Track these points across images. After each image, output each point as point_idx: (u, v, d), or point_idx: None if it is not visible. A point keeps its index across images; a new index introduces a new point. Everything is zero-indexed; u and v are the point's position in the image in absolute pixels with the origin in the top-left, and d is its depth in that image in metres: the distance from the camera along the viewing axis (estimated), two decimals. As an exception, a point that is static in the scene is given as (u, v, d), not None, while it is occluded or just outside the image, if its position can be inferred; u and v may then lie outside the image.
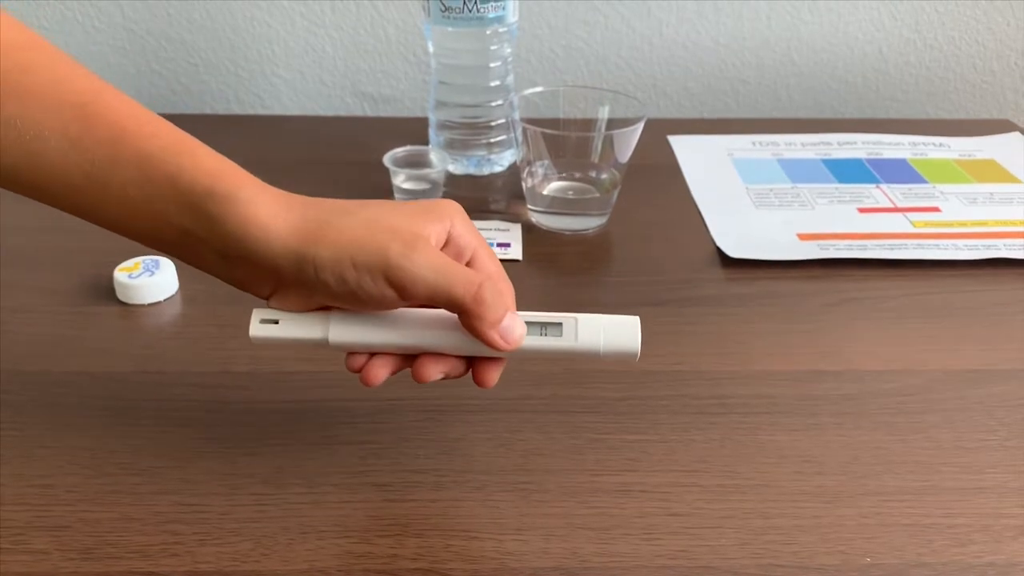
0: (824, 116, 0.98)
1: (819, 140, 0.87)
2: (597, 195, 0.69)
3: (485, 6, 0.71)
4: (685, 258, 0.65)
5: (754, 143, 0.86)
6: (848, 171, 0.81)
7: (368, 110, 0.96)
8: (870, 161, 0.83)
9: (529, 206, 0.70)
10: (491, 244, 0.66)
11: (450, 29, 0.72)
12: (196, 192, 0.37)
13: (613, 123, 0.69)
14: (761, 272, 0.64)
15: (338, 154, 0.81)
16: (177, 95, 0.94)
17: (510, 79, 0.78)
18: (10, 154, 0.37)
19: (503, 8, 0.72)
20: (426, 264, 0.37)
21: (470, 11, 0.71)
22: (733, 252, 0.65)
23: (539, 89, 0.71)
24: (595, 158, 0.69)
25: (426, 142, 0.80)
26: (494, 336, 0.39)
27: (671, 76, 0.96)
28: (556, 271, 0.64)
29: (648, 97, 0.97)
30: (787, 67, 0.96)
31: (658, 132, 0.87)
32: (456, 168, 0.78)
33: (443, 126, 0.77)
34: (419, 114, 0.93)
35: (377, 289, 0.37)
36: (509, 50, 0.76)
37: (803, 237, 0.69)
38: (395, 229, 0.38)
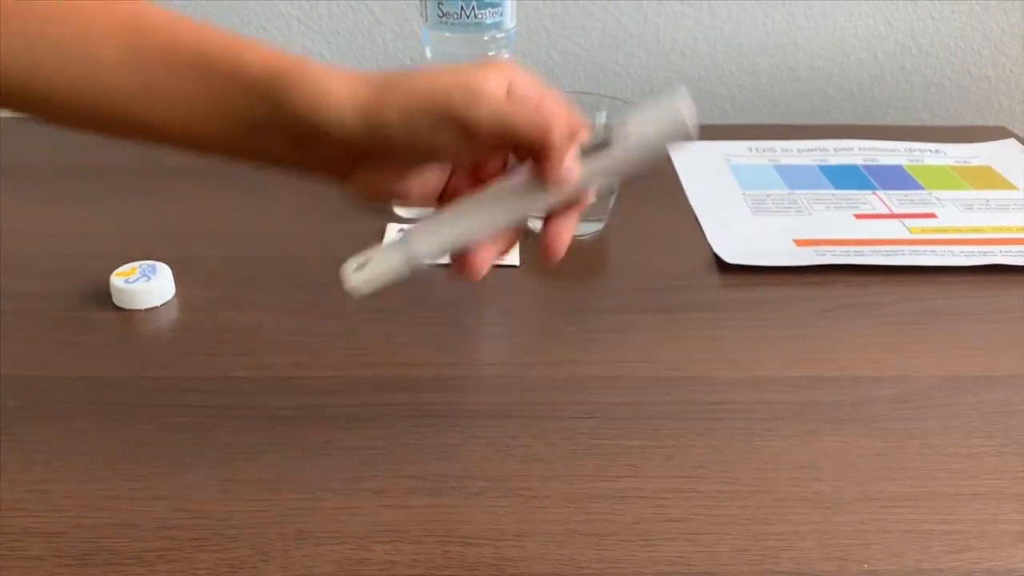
0: (820, 122, 0.99)
1: (816, 146, 0.87)
2: (594, 201, 0.69)
3: (483, 11, 0.71)
4: (682, 264, 0.66)
5: (751, 149, 0.87)
6: (845, 177, 0.81)
7: (365, 115, 0.96)
8: (867, 167, 0.83)
9: (526, 211, 0.70)
10: (488, 249, 0.66)
11: (448, 34, 0.72)
12: (264, 79, 0.37)
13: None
14: (758, 278, 0.64)
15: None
16: (174, 99, 0.94)
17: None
18: (70, 80, 0.38)
19: (501, 13, 0.72)
20: (490, 106, 0.37)
21: (468, 16, 0.71)
22: (730, 258, 0.65)
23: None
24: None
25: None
26: (562, 172, 0.39)
27: (668, 81, 0.97)
28: (554, 276, 0.64)
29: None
30: (784, 72, 0.97)
31: None
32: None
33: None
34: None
35: (449, 137, 0.37)
36: (507, 55, 0.76)
37: (800, 243, 0.69)
38: (457, 79, 0.38)
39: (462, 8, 0.70)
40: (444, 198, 0.42)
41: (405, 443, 0.47)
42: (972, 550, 0.42)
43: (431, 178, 0.41)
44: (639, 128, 0.40)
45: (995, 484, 0.46)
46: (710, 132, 0.93)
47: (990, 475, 0.46)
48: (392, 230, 0.68)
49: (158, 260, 0.59)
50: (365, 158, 0.39)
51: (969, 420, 0.50)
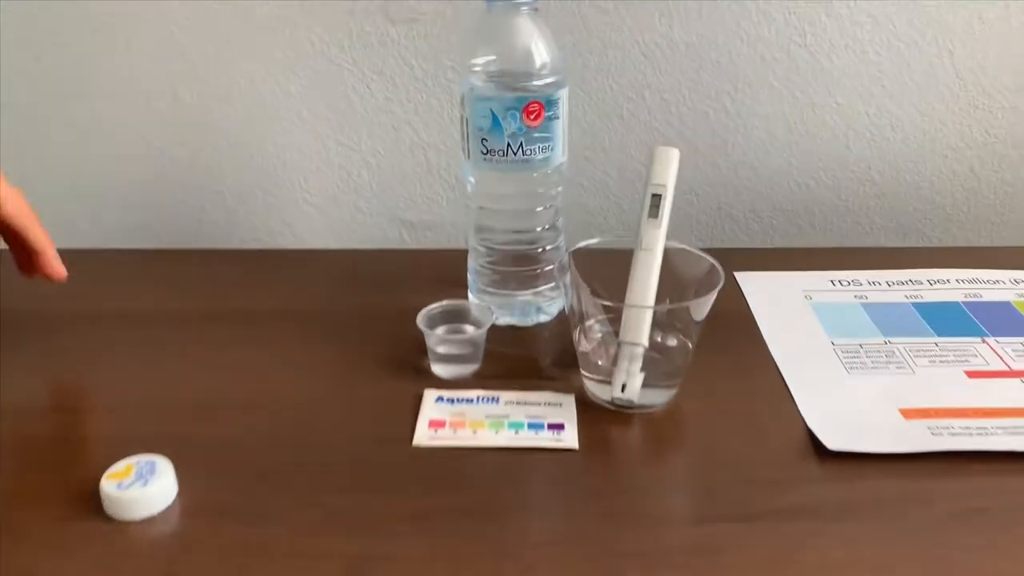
0: (909, 244, 0.89)
1: (907, 277, 0.77)
2: (665, 365, 0.60)
3: (532, 147, 0.63)
4: (773, 448, 0.56)
5: (833, 282, 0.77)
6: (946, 319, 0.70)
7: (407, 238, 0.89)
8: (969, 305, 0.73)
9: (583, 372, 0.61)
10: (540, 425, 0.57)
11: (493, 173, 0.65)
12: None
13: (680, 277, 0.60)
14: (866, 467, 0.53)
15: (373, 299, 0.73)
16: (203, 225, 0.88)
17: (560, 221, 0.70)
18: None
19: (551, 148, 0.64)
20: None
21: (515, 154, 0.63)
22: (832, 443, 0.55)
23: (593, 242, 0.63)
24: (661, 318, 0.60)
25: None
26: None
27: (737, 199, 0.88)
28: (618, 463, 0.55)
29: (712, 220, 0.88)
30: (867, 188, 0.87)
31: (724, 265, 0.78)
32: (497, 316, 0.69)
33: (484, 271, 0.69)
34: (462, 243, 0.85)
35: None
36: (559, 189, 0.68)
37: (908, 414, 0.59)
38: None
39: (508, 145, 0.62)
40: None
41: None
42: None
43: None
44: None
45: None
46: (786, 257, 0.84)
47: None
48: (431, 397, 0.60)
49: (159, 439, 0.51)
50: None
51: None
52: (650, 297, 0.57)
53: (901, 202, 0.88)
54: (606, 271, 0.60)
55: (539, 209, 0.67)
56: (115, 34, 0.80)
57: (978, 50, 0.81)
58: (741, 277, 0.77)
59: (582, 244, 0.63)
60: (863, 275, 0.78)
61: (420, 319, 0.62)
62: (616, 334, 0.58)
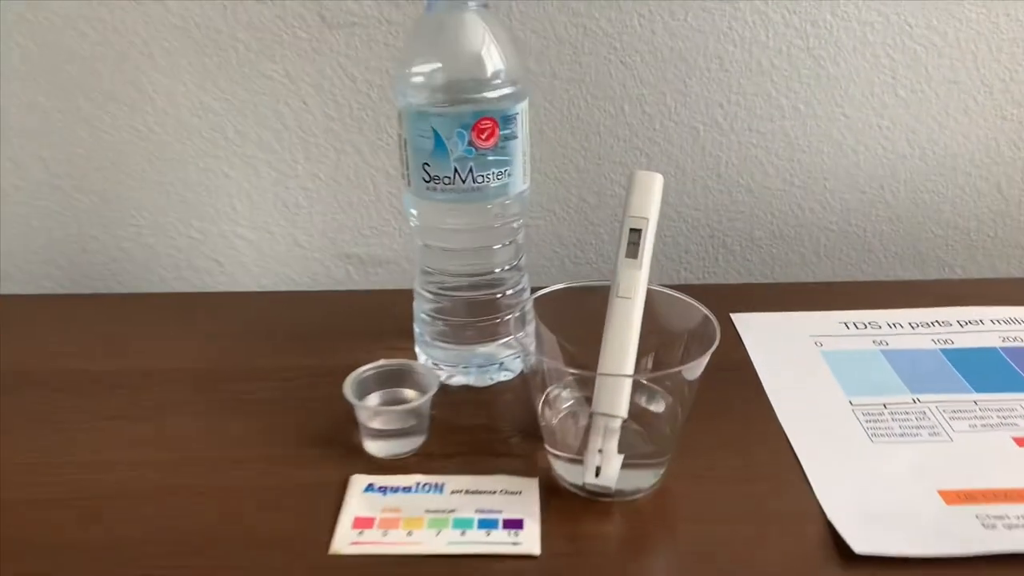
0: (930, 276, 0.78)
1: (932, 318, 0.66)
2: (648, 439, 0.48)
3: (485, 173, 0.52)
4: (785, 548, 0.44)
5: (847, 324, 0.66)
6: (983, 370, 0.59)
7: (355, 276, 0.77)
8: (1010, 352, 0.61)
9: (549, 448, 0.50)
10: (494, 523, 0.45)
11: (438, 204, 0.53)
12: None
13: (664, 329, 0.49)
14: (902, 573, 0.42)
15: (303, 353, 0.62)
16: (117, 263, 0.76)
17: (522, 259, 0.58)
18: None
19: (508, 174, 0.53)
20: None
21: (463, 181, 0.52)
22: (860, 544, 0.44)
23: (558, 288, 0.52)
24: (641, 381, 0.49)
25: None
26: None
27: (732, 226, 0.77)
28: (590, 570, 0.43)
29: (704, 251, 0.77)
30: (880, 210, 0.76)
31: (719, 305, 0.67)
32: (448, 375, 0.58)
33: (433, 321, 0.58)
34: (414, 282, 0.74)
35: None
36: (520, 222, 0.57)
37: (950, 498, 0.47)
38: None
39: (456, 171, 0.51)
40: None
41: None
42: None
43: None
44: None
45: None
46: (789, 294, 0.73)
47: None
48: (358, 485, 0.48)
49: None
50: None
51: None
52: (628, 360, 0.46)
53: (919, 227, 0.77)
54: (578, 319, 0.49)
55: (497, 246, 0.56)
56: None
57: (1006, 52, 0.71)
58: (739, 320, 0.66)
59: (546, 290, 0.51)
60: (881, 315, 0.66)
61: (348, 387, 0.50)
62: (589, 401, 0.47)
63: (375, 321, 0.64)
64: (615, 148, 0.73)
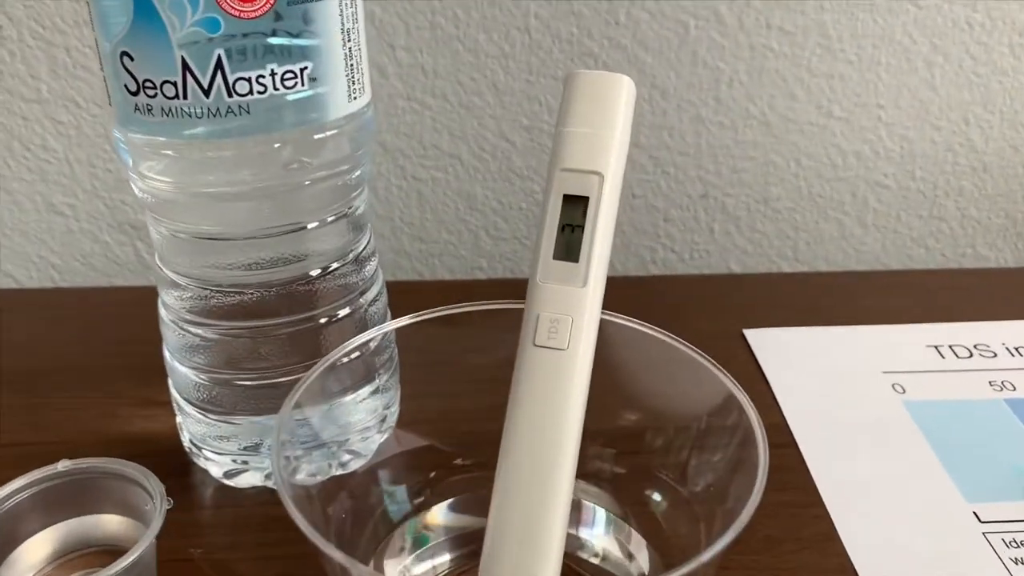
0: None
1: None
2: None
3: (259, 74, 0.24)
4: None
5: (939, 349, 0.40)
6: None
7: (143, 251, 0.49)
8: None
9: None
10: None
11: (177, 143, 0.25)
12: None
13: (644, 406, 0.23)
14: None
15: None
16: None
17: (367, 245, 0.31)
18: None
19: (312, 76, 0.25)
20: None
21: (204, 90, 0.24)
22: None
23: (437, 313, 0.25)
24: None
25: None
26: None
27: (738, 181, 0.50)
28: None
29: (694, 218, 0.50)
30: (963, 160, 0.50)
31: (720, 313, 0.41)
32: (228, 471, 0.31)
33: (197, 377, 0.30)
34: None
35: None
36: (357, 175, 0.29)
37: None
38: None
39: (186, 67, 0.23)
40: None
41: None
42: None
43: None
44: None
45: None
46: (825, 289, 0.43)
47: None
48: None
49: None
50: None
51: None
52: (556, 497, 0.20)
53: (1003, 182, 0.51)
54: (483, 371, 0.23)
55: (312, 225, 0.28)
56: None
57: None
58: (758, 340, 0.40)
59: (403, 322, 0.24)
60: (992, 332, 0.40)
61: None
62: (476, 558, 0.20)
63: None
64: (554, 52, 0.45)
